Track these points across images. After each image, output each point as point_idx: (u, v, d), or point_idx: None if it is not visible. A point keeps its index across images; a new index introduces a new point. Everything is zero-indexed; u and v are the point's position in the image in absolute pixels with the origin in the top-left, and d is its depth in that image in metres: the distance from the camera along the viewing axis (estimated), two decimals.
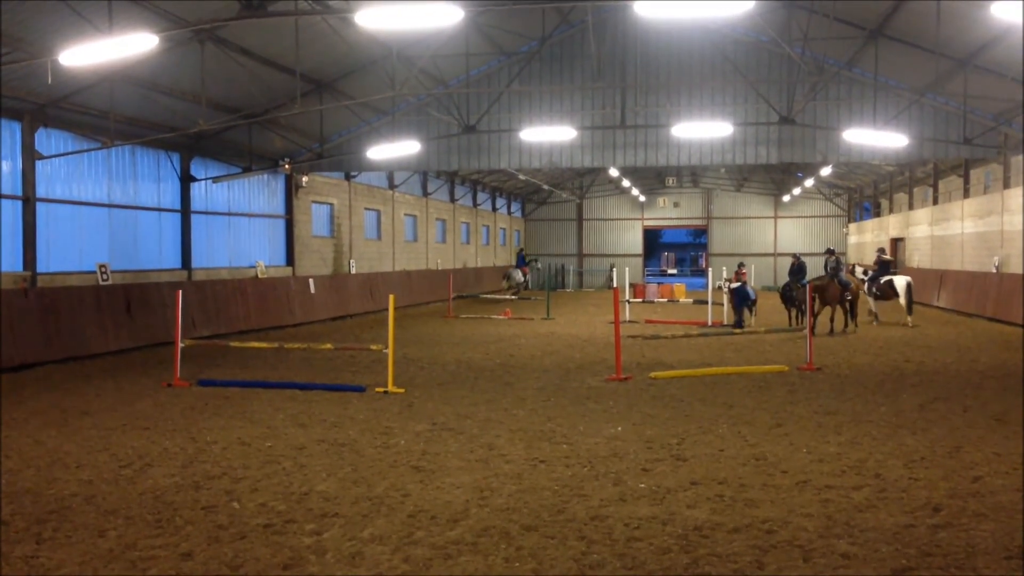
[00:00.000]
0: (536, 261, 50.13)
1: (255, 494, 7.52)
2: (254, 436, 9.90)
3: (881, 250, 28.24)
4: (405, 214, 37.15)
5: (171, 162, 22.60)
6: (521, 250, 48.69)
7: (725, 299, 25.14)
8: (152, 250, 21.84)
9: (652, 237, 72.05)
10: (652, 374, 14.62)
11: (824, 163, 32.53)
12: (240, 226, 25.44)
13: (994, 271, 28.14)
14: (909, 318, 24.47)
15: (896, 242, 42.49)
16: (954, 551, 6.04)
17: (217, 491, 7.63)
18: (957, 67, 20.97)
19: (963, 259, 31.86)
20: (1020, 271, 26.01)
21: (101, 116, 18.80)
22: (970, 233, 31.30)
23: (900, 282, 24.82)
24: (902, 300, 24.67)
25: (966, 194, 32.30)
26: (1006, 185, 27.95)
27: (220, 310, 22.12)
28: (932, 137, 23.93)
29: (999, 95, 21.30)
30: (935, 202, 36.17)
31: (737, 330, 22.93)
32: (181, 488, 7.73)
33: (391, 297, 13.39)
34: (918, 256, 38.34)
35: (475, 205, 46.89)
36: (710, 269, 27.33)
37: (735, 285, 24.50)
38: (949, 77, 21.85)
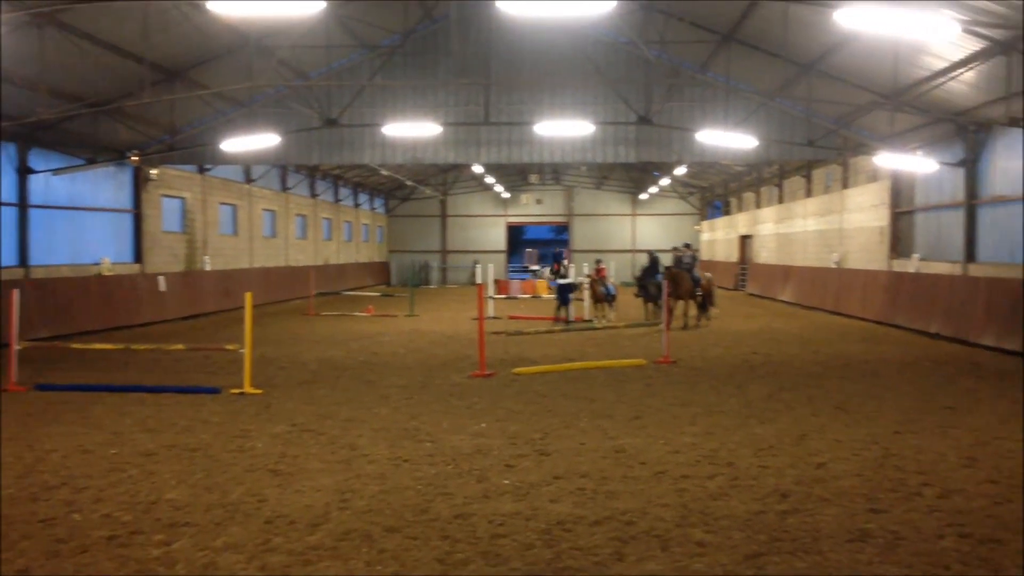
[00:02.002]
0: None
1: (98, 504, 7.11)
2: (98, 443, 9.36)
3: (675, 248, 29.62)
4: (263, 209, 36.11)
5: (6, 153, 21.13)
6: (559, 251, 49.00)
7: (586, 295, 25.55)
8: None
9: (515, 233, 72.78)
10: (515, 370, 14.73)
11: (679, 162, 33.63)
12: (83, 221, 24.05)
13: (834, 266, 29.86)
14: (713, 310, 25.47)
15: (744, 239, 44.44)
16: (801, 536, 6.32)
17: (56, 502, 7.16)
18: (802, 72, 22.03)
19: (806, 255, 33.65)
20: (856, 267, 27.68)
21: None
22: (812, 231, 33.09)
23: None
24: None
25: (808, 193, 34.12)
26: (845, 185, 29.68)
27: (61, 310, 20.86)
28: (778, 139, 25.09)
29: (839, 99, 22.50)
30: (780, 201, 38.05)
31: (557, 327, 23.37)
32: (16, 500, 7.22)
33: (248, 295, 12.94)
34: (765, 253, 40.24)
35: (337, 200, 46.10)
36: (571, 265, 27.76)
37: (562, 282, 25.08)
38: (795, 82, 22.95)
